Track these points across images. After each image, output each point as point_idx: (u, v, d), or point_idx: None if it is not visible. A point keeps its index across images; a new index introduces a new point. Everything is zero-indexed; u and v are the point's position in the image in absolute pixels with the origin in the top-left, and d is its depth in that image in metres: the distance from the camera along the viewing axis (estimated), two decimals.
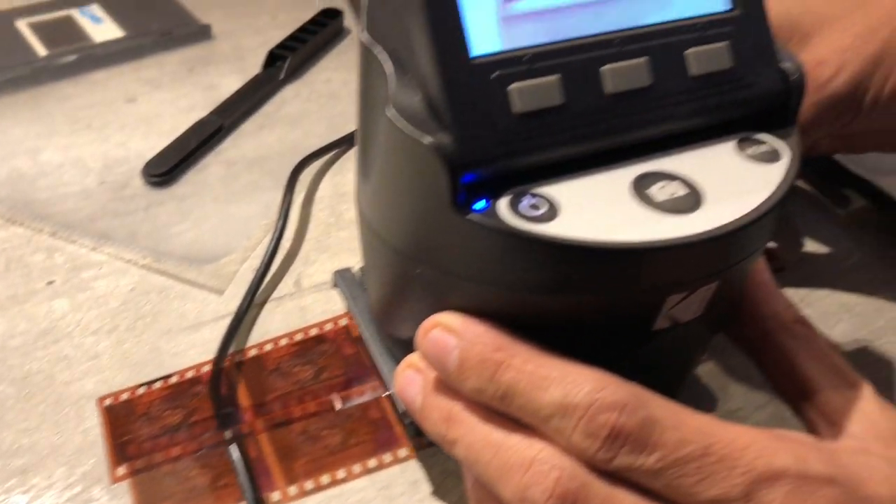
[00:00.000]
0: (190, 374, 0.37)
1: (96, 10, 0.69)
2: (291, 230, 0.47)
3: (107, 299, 0.43)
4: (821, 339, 0.31)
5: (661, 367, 0.30)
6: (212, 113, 0.56)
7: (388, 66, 0.26)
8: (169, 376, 0.37)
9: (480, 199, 0.24)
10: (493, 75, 0.24)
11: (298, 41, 0.64)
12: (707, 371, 0.39)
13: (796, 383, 0.30)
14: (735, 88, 0.27)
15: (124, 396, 0.37)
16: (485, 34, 0.25)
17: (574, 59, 0.25)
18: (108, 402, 0.37)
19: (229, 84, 0.60)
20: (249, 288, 0.41)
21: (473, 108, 0.24)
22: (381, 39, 0.26)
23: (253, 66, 0.63)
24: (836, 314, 0.43)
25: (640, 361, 0.29)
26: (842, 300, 0.44)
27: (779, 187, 0.26)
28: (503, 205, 0.24)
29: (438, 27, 0.24)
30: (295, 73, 0.62)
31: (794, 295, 0.44)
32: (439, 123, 0.24)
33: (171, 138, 0.54)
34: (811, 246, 0.48)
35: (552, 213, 0.24)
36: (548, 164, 0.26)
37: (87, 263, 0.45)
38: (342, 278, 0.38)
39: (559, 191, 0.25)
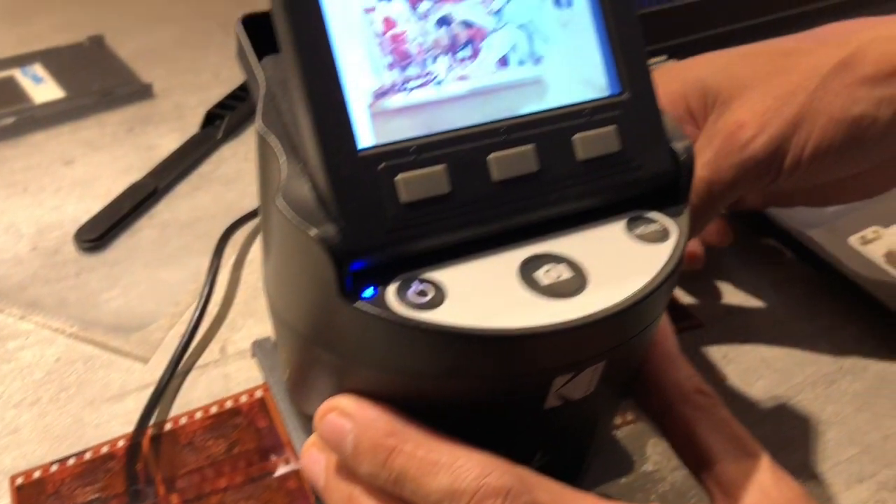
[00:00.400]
0: (104, 450, 0.37)
1: (38, 69, 0.69)
2: (220, 294, 0.48)
3: (31, 370, 0.43)
4: (722, 408, 0.31)
5: (563, 439, 0.31)
6: (147, 175, 0.56)
7: (282, 157, 0.26)
8: (83, 452, 0.37)
9: (369, 287, 0.25)
10: (380, 167, 0.25)
11: (237, 100, 0.64)
12: (624, 433, 0.40)
13: (696, 453, 0.30)
14: (624, 170, 0.28)
15: (37, 474, 0.36)
16: (368, 128, 0.25)
17: (461, 149, 0.26)
18: (19, 480, 0.36)
19: (168, 144, 0.61)
20: (172, 357, 0.42)
21: (361, 199, 0.25)
22: (275, 129, 0.27)
23: (193, 124, 0.63)
24: (756, 370, 0.44)
25: (539, 437, 0.29)
26: (763, 355, 0.45)
27: (662, 269, 0.27)
28: (391, 292, 0.25)
29: (325, 121, 0.25)
30: (233, 132, 0.63)
31: (717, 351, 0.45)
32: (327, 214, 0.25)
33: (107, 201, 0.54)
34: (736, 300, 0.49)
35: (439, 299, 0.25)
36: (438, 249, 0.26)
37: (13, 333, 0.45)
38: (260, 348, 0.38)
39: (447, 276, 0.26)
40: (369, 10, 0.25)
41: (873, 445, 0.40)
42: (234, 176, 0.58)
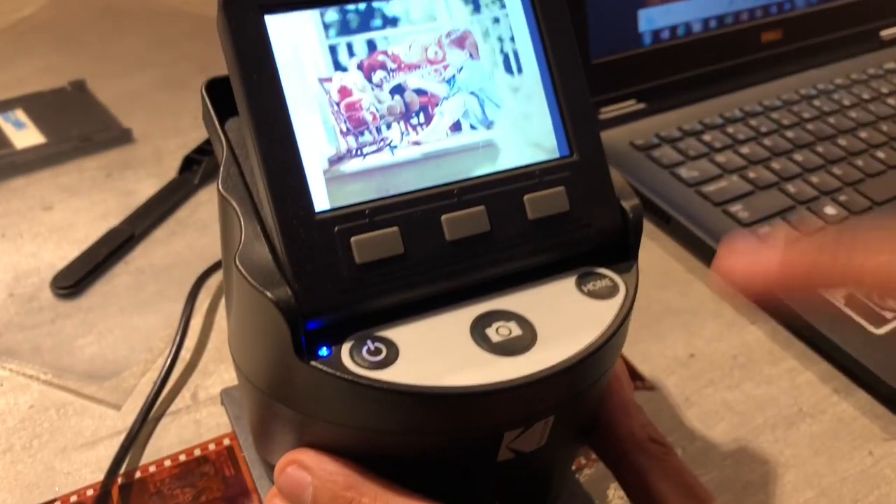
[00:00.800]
0: (73, 499, 0.38)
1: (20, 115, 0.70)
2: (193, 340, 0.48)
3: (4, 418, 0.44)
4: (675, 457, 0.32)
5: (519, 490, 0.32)
6: (124, 221, 0.57)
7: (241, 218, 0.27)
8: (52, 501, 0.38)
9: (323, 346, 0.26)
10: (336, 229, 0.26)
11: None
12: (587, 477, 0.41)
13: (649, 500, 0.31)
14: (573, 229, 0.29)
15: None
16: (324, 192, 0.26)
17: (414, 211, 0.27)
18: None
19: (146, 189, 0.62)
20: (144, 404, 0.42)
21: (316, 262, 0.26)
22: (236, 190, 0.28)
23: (171, 169, 0.64)
24: (717, 413, 0.45)
25: (495, 488, 0.30)
26: (724, 398, 0.46)
27: (611, 325, 0.28)
28: (345, 351, 0.26)
29: (280, 186, 0.26)
30: (210, 176, 0.64)
31: (679, 394, 0.46)
32: (283, 276, 0.26)
33: (84, 247, 0.55)
34: (699, 343, 0.50)
35: (392, 358, 0.26)
36: (392, 308, 0.27)
37: None
38: (228, 397, 0.39)
39: (401, 334, 0.27)
40: (325, 80, 0.27)
41: (830, 488, 0.41)
42: (209, 221, 0.59)
